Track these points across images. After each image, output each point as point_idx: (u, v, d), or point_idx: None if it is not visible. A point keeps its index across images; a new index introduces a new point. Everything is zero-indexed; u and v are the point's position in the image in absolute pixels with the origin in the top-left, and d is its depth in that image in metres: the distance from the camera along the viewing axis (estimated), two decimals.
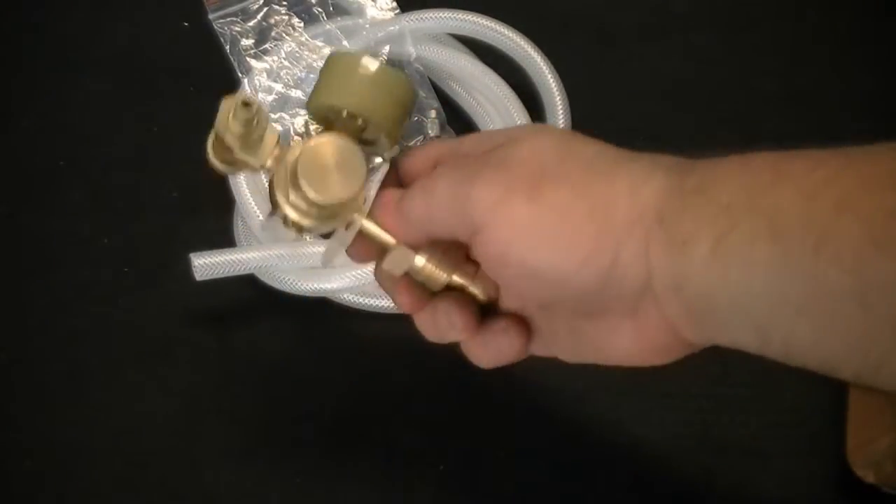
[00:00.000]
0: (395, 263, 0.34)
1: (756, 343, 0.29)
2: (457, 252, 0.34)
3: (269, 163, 0.34)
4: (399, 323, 0.48)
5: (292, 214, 0.34)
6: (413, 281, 0.35)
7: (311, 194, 0.33)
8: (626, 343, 0.32)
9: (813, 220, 0.26)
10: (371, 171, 0.34)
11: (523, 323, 0.34)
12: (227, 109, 0.34)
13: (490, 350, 0.34)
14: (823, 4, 0.57)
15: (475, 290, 0.35)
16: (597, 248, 0.29)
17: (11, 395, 0.47)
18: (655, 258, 0.29)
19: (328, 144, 0.33)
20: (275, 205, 0.34)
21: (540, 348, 0.35)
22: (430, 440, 0.46)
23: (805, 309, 0.26)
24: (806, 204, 0.27)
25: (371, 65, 0.33)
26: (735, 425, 0.46)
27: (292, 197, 0.33)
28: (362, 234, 0.34)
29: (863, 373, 0.27)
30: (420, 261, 0.34)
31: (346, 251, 0.36)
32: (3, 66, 0.56)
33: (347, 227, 0.34)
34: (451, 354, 0.47)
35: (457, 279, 0.34)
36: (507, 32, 0.52)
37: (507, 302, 0.35)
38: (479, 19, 0.52)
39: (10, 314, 0.49)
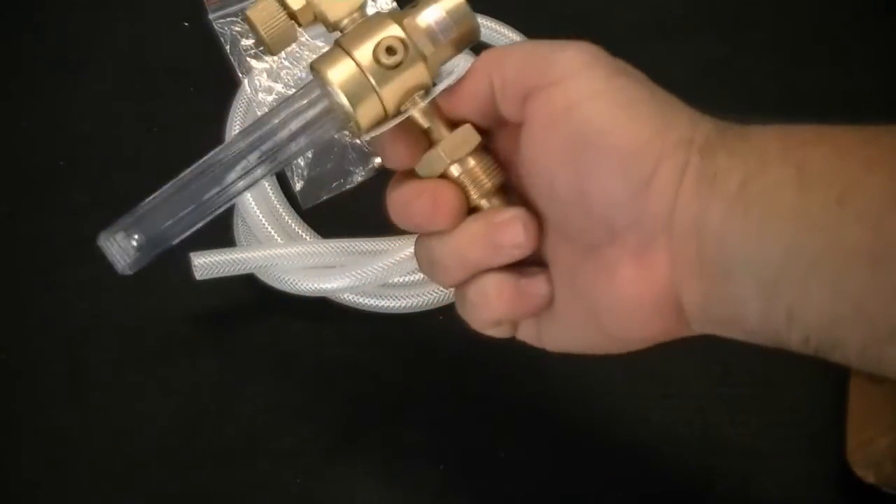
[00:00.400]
0: (455, 147, 0.32)
1: (759, 307, 0.28)
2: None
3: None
4: (399, 323, 0.48)
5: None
6: (456, 185, 0.33)
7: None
8: (624, 287, 0.30)
9: (841, 173, 0.26)
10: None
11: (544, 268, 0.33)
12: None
13: (523, 291, 0.32)
14: (823, 4, 0.57)
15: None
16: (647, 147, 0.29)
17: (11, 395, 0.47)
18: (685, 190, 0.28)
19: None
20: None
21: (527, 321, 0.34)
22: (430, 440, 0.46)
23: (819, 265, 0.26)
24: (837, 159, 0.27)
25: None
26: (735, 425, 0.46)
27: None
28: (411, 128, 0.33)
29: (868, 348, 0.26)
30: (474, 154, 0.32)
31: (385, 150, 0.34)
32: (3, 66, 0.56)
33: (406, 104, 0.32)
34: (452, 354, 0.47)
35: (487, 203, 0.33)
36: (507, 32, 0.52)
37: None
38: (479, 19, 0.52)
39: (10, 314, 0.49)
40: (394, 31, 0.32)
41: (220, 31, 0.55)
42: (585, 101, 0.30)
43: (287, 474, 0.46)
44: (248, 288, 0.48)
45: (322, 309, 0.49)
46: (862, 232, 0.25)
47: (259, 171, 0.34)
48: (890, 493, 0.43)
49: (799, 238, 0.26)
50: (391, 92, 0.32)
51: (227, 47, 0.54)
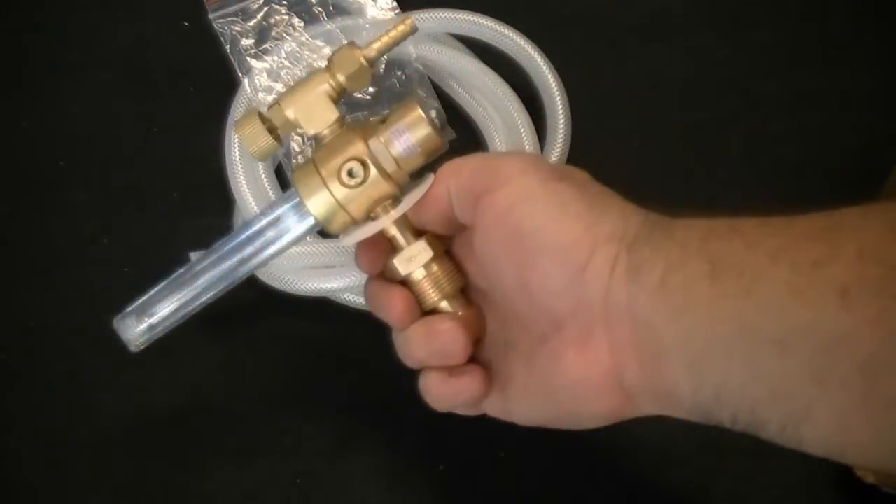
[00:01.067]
0: (409, 260, 0.36)
1: (690, 388, 0.30)
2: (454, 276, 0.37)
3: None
4: None
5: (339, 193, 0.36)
6: (407, 293, 0.37)
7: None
8: (571, 371, 0.33)
9: (748, 266, 0.29)
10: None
11: (486, 370, 0.37)
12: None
13: (451, 388, 0.36)
14: (824, 4, 0.57)
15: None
16: (578, 241, 0.32)
17: (11, 395, 0.47)
18: (616, 280, 0.31)
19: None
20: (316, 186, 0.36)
21: (495, 399, 0.37)
22: (430, 440, 0.46)
23: (734, 351, 0.29)
24: (746, 252, 0.29)
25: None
26: None
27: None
28: (378, 238, 0.37)
29: (787, 427, 0.28)
30: (430, 264, 0.36)
31: (357, 257, 0.38)
32: (3, 66, 0.56)
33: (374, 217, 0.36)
34: None
35: (447, 304, 0.37)
36: (507, 32, 0.52)
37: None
38: (479, 19, 0.52)
39: (10, 314, 0.49)
40: (358, 151, 0.36)
41: (220, 31, 0.55)
42: (523, 201, 0.34)
43: (287, 474, 0.46)
44: (248, 288, 0.48)
45: (322, 309, 0.49)
46: (767, 321, 0.28)
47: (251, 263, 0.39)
48: (890, 493, 0.43)
49: (715, 327, 0.29)
50: (357, 207, 0.36)
51: (227, 47, 0.54)
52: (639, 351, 0.31)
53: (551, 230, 0.33)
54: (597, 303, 0.32)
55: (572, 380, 0.33)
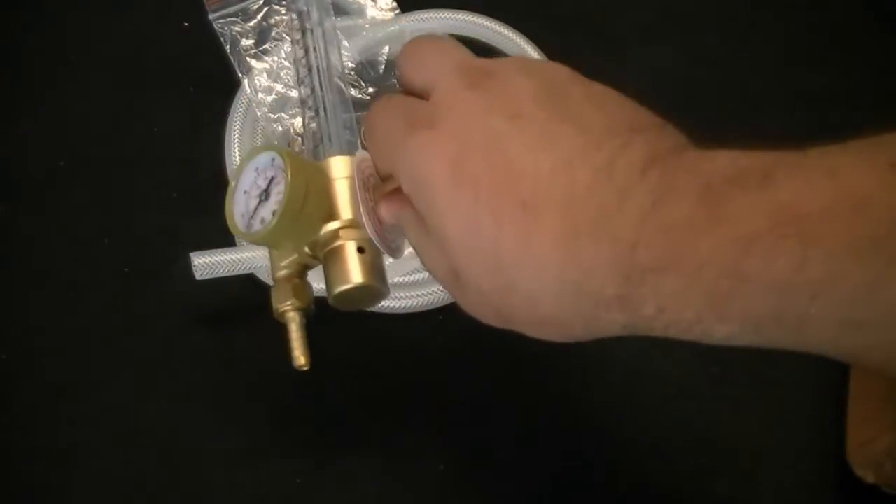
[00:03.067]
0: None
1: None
2: None
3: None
4: (399, 323, 0.48)
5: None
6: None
7: None
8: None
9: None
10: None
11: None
12: None
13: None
14: (823, 4, 0.57)
15: None
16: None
17: (12, 395, 0.47)
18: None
19: None
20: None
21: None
22: (430, 440, 0.46)
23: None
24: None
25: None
26: (735, 425, 0.46)
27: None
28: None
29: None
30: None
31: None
32: (4, 66, 0.56)
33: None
34: (452, 355, 0.47)
35: None
36: (507, 32, 0.52)
37: None
38: (478, 19, 0.52)
39: (10, 314, 0.49)
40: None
41: (220, 31, 0.55)
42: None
43: (287, 474, 0.46)
44: (248, 288, 0.48)
45: (322, 309, 0.48)
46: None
47: None
48: (890, 493, 0.43)
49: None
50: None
51: (227, 47, 0.54)
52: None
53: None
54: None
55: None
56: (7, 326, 0.49)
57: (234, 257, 0.46)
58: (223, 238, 0.50)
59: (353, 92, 0.54)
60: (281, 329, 0.40)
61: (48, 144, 0.53)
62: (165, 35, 0.56)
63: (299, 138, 0.52)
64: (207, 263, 0.46)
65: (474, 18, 0.52)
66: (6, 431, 0.47)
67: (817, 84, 0.55)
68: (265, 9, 0.55)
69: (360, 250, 0.38)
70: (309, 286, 0.41)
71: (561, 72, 0.34)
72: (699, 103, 0.55)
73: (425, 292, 0.47)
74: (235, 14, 0.55)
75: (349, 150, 0.42)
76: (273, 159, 0.38)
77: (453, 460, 0.46)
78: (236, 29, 0.55)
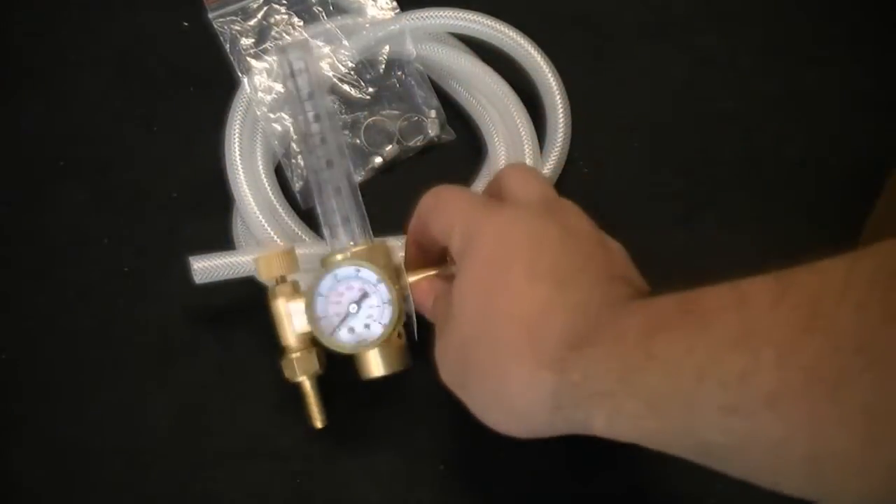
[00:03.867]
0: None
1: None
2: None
3: None
4: None
5: None
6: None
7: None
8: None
9: (679, 394, 0.30)
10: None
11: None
12: None
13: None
14: (823, 4, 0.57)
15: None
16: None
17: (12, 395, 0.47)
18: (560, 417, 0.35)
19: None
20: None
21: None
22: (430, 440, 0.46)
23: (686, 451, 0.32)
24: (670, 379, 0.31)
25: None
26: None
27: None
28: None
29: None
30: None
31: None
32: (4, 66, 0.56)
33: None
34: None
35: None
36: (507, 32, 0.52)
37: None
38: (479, 18, 0.52)
39: (10, 314, 0.49)
40: None
41: (220, 30, 0.55)
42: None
43: (287, 474, 0.46)
44: (248, 288, 0.48)
45: None
46: (711, 441, 0.31)
47: None
48: None
49: (667, 446, 0.33)
50: None
51: (227, 47, 0.54)
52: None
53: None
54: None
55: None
56: (7, 326, 0.49)
57: (232, 261, 0.46)
58: (223, 238, 0.50)
59: (352, 91, 0.54)
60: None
61: (48, 144, 0.53)
62: (165, 35, 0.56)
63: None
64: (206, 267, 0.46)
65: (474, 17, 0.52)
66: (6, 431, 0.47)
67: (817, 84, 0.55)
68: (265, 8, 0.55)
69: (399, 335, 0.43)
70: (321, 354, 0.44)
71: (613, 242, 0.40)
72: (699, 103, 0.55)
73: None
74: (235, 13, 0.55)
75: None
76: (358, 271, 0.42)
77: (453, 460, 0.46)
78: (236, 28, 0.55)
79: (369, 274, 0.42)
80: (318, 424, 0.44)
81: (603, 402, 0.33)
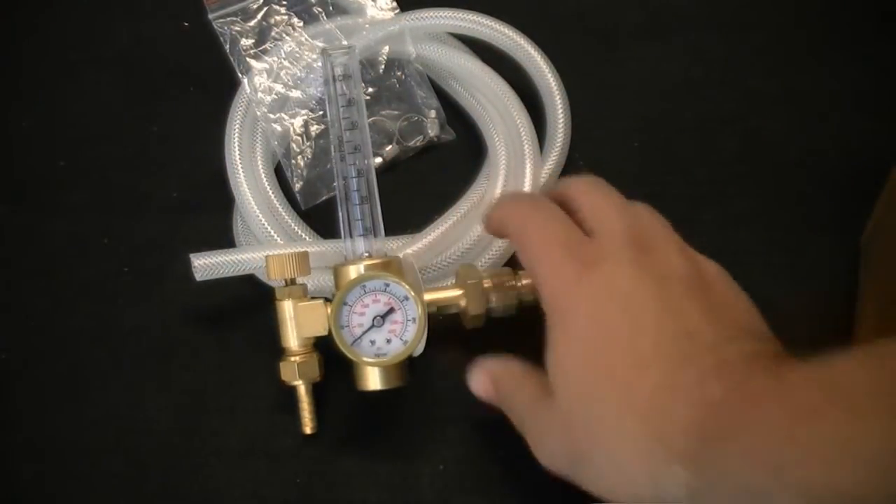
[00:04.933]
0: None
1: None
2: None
3: None
4: None
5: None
6: None
7: None
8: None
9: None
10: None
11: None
12: None
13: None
14: (822, 5, 0.57)
15: None
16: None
17: (11, 395, 0.47)
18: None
19: None
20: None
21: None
22: (430, 440, 0.46)
23: None
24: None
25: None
26: None
27: None
28: None
29: None
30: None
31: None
32: (4, 66, 0.56)
33: None
34: (452, 354, 0.47)
35: None
36: (507, 32, 0.52)
37: None
38: (479, 18, 0.52)
39: (10, 314, 0.49)
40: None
41: (220, 30, 0.55)
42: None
43: (287, 474, 0.46)
44: (248, 288, 0.48)
45: None
46: None
47: None
48: None
49: None
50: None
51: (227, 47, 0.54)
52: None
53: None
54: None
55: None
56: (7, 326, 0.49)
57: (233, 258, 0.46)
58: (223, 238, 0.50)
59: None
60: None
61: (48, 144, 0.53)
62: (165, 35, 0.57)
63: (299, 138, 0.52)
64: (207, 264, 0.46)
65: (474, 17, 0.52)
66: (6, 431, 0.47)
67: (816, 84, 0.55)
68: (265, 8, 0.55)
69: None
70: (319, 360, 0.44)
71: (711, 267, 0.38)
72: (699, 103, 0.55)
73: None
74: (235, 14, 0.55)
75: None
76: (387, 285, 0.42)
77: (453, 460, 0.46)
78: (236, 28, 0.55)
79: (398, 289, 0.42)
80: (308, 430, 0.45)
81: (755, 500, 0.30)
